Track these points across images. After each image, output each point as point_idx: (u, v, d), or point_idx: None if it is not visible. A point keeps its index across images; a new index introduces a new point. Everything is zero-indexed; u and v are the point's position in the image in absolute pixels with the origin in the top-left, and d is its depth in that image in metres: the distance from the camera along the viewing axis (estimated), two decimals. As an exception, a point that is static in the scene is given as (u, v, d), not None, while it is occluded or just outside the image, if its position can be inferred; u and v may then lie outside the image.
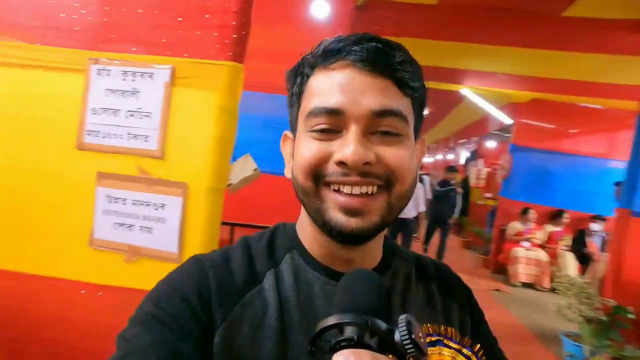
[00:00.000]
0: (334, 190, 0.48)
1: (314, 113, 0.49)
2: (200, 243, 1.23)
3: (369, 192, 0.48)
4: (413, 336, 0.34)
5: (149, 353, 0.43)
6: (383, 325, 0.35)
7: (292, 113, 0.55)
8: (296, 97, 0.53)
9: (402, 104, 0.50)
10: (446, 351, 0.41)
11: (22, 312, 1.26)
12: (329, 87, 0.49)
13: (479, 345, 0.54)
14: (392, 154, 0.48)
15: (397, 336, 0.34)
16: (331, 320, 0.36)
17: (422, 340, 0.35)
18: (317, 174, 0.48)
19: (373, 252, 0.56)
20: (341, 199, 0.47)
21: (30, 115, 1.25)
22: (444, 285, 0.60)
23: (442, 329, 0.53)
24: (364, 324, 0.35)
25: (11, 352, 1.30)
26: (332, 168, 0.48)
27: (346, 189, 0.47)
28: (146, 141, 1.20)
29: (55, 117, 1.24)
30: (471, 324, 0.59)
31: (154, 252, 1.21)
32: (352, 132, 0.47)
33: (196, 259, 0.53)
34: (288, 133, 0.57)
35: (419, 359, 0.34)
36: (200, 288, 0.48)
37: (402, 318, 0.35)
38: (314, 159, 0.48)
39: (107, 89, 1.22)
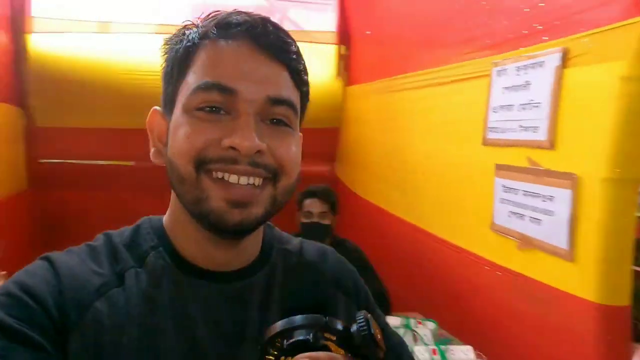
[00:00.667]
0: (217, 178, 0.45)
1: (203, 88, 0.45)
2: (597, 241, 1.09)
3: (256, 184, 0.45)
4: (372, 332, 0.34)
5: None
6: (339, 324, 0.35)
7: (169, 87, 0.50)
8: (177, 68, 0.48)
9: (295, 95, 0.49)
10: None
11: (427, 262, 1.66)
12: (224, 62, 0.45)
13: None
14: (283, 146, 0.47)
15: (355, 333, 0.34)
16: (291, 322, 0.35)
17: (379, 336, 0.34)
18: (200, 160, 0.44)
19: (251, 248, 0.53)
20: (226, 189, 0.44)
21: (453, 119, 1.62)
22: (329, 272, 0.57)
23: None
24: (323, 324, 0.34)
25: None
26: (217, 153, 0.44)
27: (232, 178, 0.44)
28: (535, 132, 1.22)
29: (469, 118, 1.52)
30: (357, 306, 0.57)
31: (542, 244, 1.22)
32: (246, 117, 0.44)
33: (47, 259, 0.47)
34: (158, 109, 0.52)
35: (376, 354, 0.33)
36: (52, 289, 0.43)
37: (361, 314, 0.35)
38: (200, 142, 0.44)
39: (504, 87, 1.34)
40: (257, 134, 0.44)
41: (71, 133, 2.54)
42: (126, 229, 0.53)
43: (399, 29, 2.15)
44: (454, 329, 1.59)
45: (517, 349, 1.34)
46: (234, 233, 0.46)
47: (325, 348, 0.34)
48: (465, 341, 1.48)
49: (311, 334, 0.34)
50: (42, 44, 2.47)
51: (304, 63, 0.51)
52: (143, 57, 2.43)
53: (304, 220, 1.87)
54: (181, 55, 0.47)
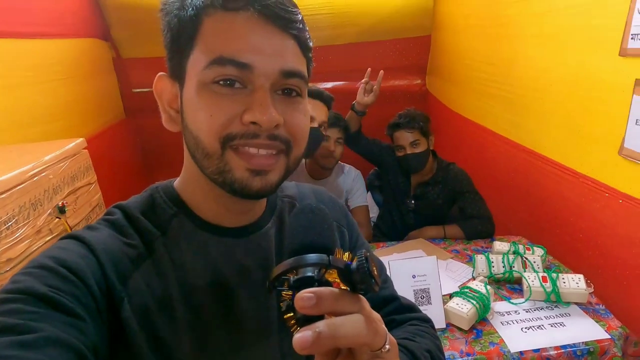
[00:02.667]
0: (239, 150, 0.50)
1: (218, 62, 0.48)
2: None
3: (274, 153, 0.51)
4: (370, 269, 0.37)
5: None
6: (341, 262, 0.39)
7: (176, 56, 0.52)
8: (184, 37, 0.50)
9: (303, 65, 0.53)
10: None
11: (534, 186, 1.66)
12: (235, 35, 0.48)
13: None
14: (296, 118, 0.52)
15: (355, 270, 0.38)
16: (298, 260, 0.39)
17: (375, 272, 0.38)
18: (225, 138, 0.49)
19: (261, 202, 0.61)
20: (247, 158, 0.50)
21: (581, 24, 1.48)
22: (326, 210, 0.58)
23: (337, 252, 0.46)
24: (327, 263, 0.38)
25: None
26: (240, 128, 0.49)
27: (252, 150, 0.50)
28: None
29: (602, 23, 1.39)
30: (349, 238, 0.71)
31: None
32: (262, 90, 0.49)
33: (75, 238, 0.51)
34: (165, 75, 0.55)
35: (373, 288, 0.38)
36: (89, 263, 0.48)
37: (361, 253, 0.39)
38: (223, 119, 0.49)
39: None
40: (274, 106, 0.49)
41: (155, 63, 2.71)
42: (137, 199, 0.58)
43: None
44: (562, 256, 1.63)
45: (629, 279, 1.37)
46: (256, 197, 0.53)
47: (328, 283, 0.38)
48: (573, 269, 1.53)
49: (316, 271, 0.38)
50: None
51: (308, 31, 0.54)
52: None
53: (398, 153, 1.90)
54: (185, 24, 0.50)
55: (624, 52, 1.31)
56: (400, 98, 3.03)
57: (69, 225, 1.41)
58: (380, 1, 2.77)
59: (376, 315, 0.39)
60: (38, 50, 1.97)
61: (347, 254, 0.41)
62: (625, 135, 1.33)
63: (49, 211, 1.34)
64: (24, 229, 1.22)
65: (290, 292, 0.38)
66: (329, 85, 3.06)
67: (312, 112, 1.59)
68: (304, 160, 2.00)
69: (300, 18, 0.51)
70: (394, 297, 0.74)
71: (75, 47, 2.33)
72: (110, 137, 2.60)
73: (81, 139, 1.60)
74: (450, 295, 1.34)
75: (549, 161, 1.72)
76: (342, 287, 0.39)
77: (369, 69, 1.93)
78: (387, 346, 0.39)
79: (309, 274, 0.38)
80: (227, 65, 0.47)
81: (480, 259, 1.49)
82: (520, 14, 1.85)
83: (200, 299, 0.53)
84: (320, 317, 0.36)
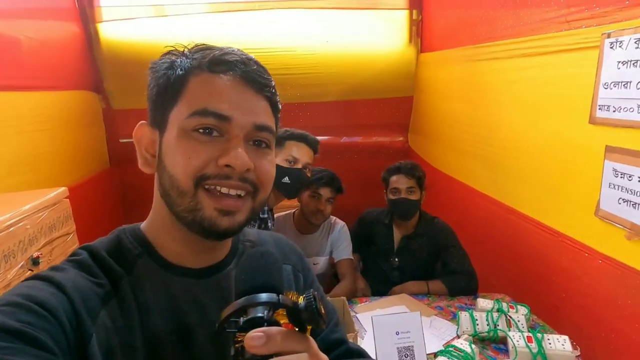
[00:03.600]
0: (210, 191, 0.55)
1: (200, 113, 0.55)
2: None
3: (241, 195, 0.57)
4: (317, 307, 0.39)
5: None
6: (289, 301, 0.40)
7: (161, 107, 0.59)
8: (170, 92, 0.58)
9: (272, 122, 0.61)
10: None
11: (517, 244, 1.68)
12: (218, 93, 0.56)
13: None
14: (264, 165, 0.59)
15: (303, 309, 0.39)
16: (245, 301, 0.41)
17: (322, 310, 0.40)
18: (199, 177, 0.54)
19: (226, 243, 0.65)
20: (217, 200, 0.55)
21: (551, 93, 1.58)
22: (281, 252, 0.71)
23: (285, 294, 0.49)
24: (276, 302, 0.40)
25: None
26: (215, 170, 0.55)
27: (224, 190, 0.55)
28: (657, 113, 1.18)
29: (571, 93, 1.48)
30: (304, 282, 0.75)
31: (658, 234, 1.20)
32: (237, 139, 0.56)
33: (41, 279, 0.51)
34: (145, 123, 0.62)
35: (319, 326, 0.39)
36: (60, 300, 0.48)
37: (309, 292, 0.40)
38: (200, 161, 0.54)
39: (619, 62, 1.29)
40: (248, 154, 0.56)
41: (145, 114, 2.76)
42: (103, 241, 0.60)
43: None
44: (546, 316, 1.62)
45: (615, 343, 1.36)
46: (223, 237, 0.57)
47: (278, 324, 0.39)
48: (557, 329, 1.52)
49: (265, 311, 0.40)
50: (111, 31, 2.68)
51: (278, 95, 0.63)
52: (203, 36, 2.56)
53: (391, 197, 1.93)
54: (173, 82, 0.57)
55: (593, 120, 1.40)
56: (382, 154, 3.11)
57: (43, 278, 1.36)
58: (366, 63, 2.91)
59: (323, 356, 0.41)
60: (28, 101, 1.99)
61: (300, 297, 0.42)
62: (600, 198, 1.38)
63: (21, 263, 1.29)
64: (-5, 281, 1.17)
65: (240, 336, 0.39)
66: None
67: (296, 154, 1.62)
68: (292, 214, 2.01)
69: (273, 84, 0.61)
70: (343, 341, 0.76)
71: (66, 98, 2.36)
72: (94, 186, 2.57)
73: (63, 188, 1.57)
74: (435, 354, 1.31)
75: (529, 219, 1.76)
76: (291, 329, 0.40)
77: None
78: None
79: (259, 314, 0.39)
80: (208, 116, 0.55)
81: (464, 316, 1.47)
82: (497, 81, 1.98)
83: (161, 339, 0.55)
84: (268, 358, 0.37)
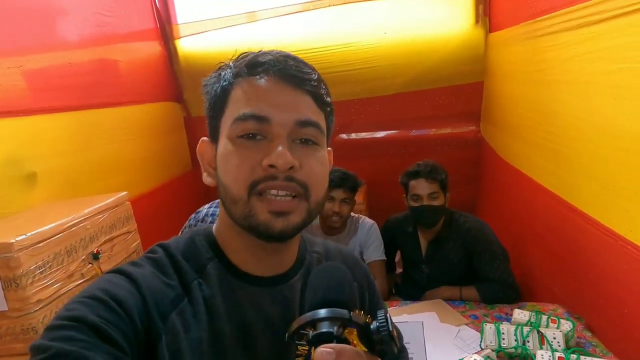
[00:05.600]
0: (261, 195, 0.54)
1: (241, 119, 0.55)
2: None
3: (292, 195, 0.55)
4: (390, 330, 0.37)
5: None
6: (361, 320, 0.39)
7: (213, 120, 0.60)
8: (218, 104, 0.59)
9: (319, 117, 0.58)
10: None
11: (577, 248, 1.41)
12: (256, 96, 0.55)
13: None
14: (311, 163, 0.56)
15: (374, 330, 0.38)
16: (317, 314, 0.39)
17: (395, 332, 0.38)
18: (251, 186, 0.54)
19: (291, 253, 0.64)
20: (269, 202, 0.54)
21: (610, 68, 1.31)
22: (349, 269, 0.59)
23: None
24: (348, 319, 0.38)
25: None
26: (261, 173, 0.54)
27: (272, 192, 0.54)
28: None
29: (631, 66, 1.21)
30: (369, 300, 0.73)
31: None
32: (279, 138, 0.54)
33: (121, 273, 0.54)
34: (206, 139, 0.63)
35: (392, 350, 0.37)
36: (135, 300, 0.51)
37: (381, 313, 0.39)
38: (248, 169, 0.54)
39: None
40: (290, 152, 0.54)
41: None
42: (179, 240, 0.62)
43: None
44: (604, 334, 1.36)
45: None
46: (279, 238, 0.56)
47: (347, 342, 0.38)
48: (613, 351, 1.27)
49: (335, 327, 0.38)
50: (187, 45, 2.96)
51: (325, 87, 0.60)
52: (257, 41, 2.65)
53: (412, 204, 1.77)
54: (219, 93, 0.59)
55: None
56: (453, 145, 2.89)
57: (101, 270, 1.58)
58: (428, 51, 2.73)
59: None
60: (118, 115, 2.32)
61: (368, 316, 0.41)
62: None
63: (82, 257, 1.52)
64: (56, 274, 1.40)
65: (306, 348, 0.41)
66: (382, 134, 3.05)
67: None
68: (318, 217, 2.00)
69: (315, 77, 0.58)
70: None
71: (151, 110, 2.69)
72: (178, 186, 2.88)
73: (124, 193, 1.81)
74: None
75: (589, 219, 1.49)
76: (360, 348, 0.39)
77: None
78: None
79: (329, 329, 0.38)
80: (248, 120, 0.55)
81: (489, 328, 1.31)
82: (554, 58, 1.70)
83: (226, 345, 0.55)
84: None
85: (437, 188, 1.73)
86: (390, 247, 1.96)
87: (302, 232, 0.65)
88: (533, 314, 1.36)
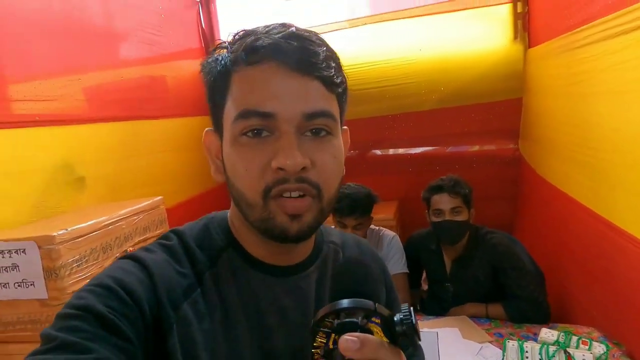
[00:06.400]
0: (277, 198, 0.51)
1: (243, 116, 0.50)
2: None
3: (303, 196, 0.51)
4: (414, 322, 0.37)
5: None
6: (386, 311, 0.39)
7: (216, 110, 0.56)
8: (219, 93, 0.54)
9: (331, 103, 0.53)
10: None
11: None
12: (258, 88, 0.50)
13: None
14: (324, 159, 0.52)
15: (398, 322, 0.38)
16: (342, 303, 0.39)
17: (418, 326, 0.38)
18: (265, 191, 0.51)
19: (308, 243, 0.61)
20: (285, 205, 0.51)
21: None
22: (367, 263, 0.54)
23: None
24: (373, 310, 0.38)
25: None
26: (272, 177, 0.50)
27: (285, 194, 0.51)
28: None
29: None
30: (386, 295, 0.69)
31: None
32: (287, 136, 0.50)
33: (134, 259, 0.53)
34: (211, 130, 0.58)
35: (415, 343, 0.39)
36: (145, 288, 0.50)
37: (405, 306, 0.39)
38: (257, 170, 0.50)
39: None
40: (300, 149, 0.50)
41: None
42: (193, 227, 0.60)
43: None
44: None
45: None
46: (295, 241, 0.53)
47: (370, 332, 0.38)
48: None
49: (360, 317, 0.38)
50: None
51: (335, 65, 0.53)
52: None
53: (435, 219, 1.73)
54: (218, 81, 0.54)
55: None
56: (490, 163, 2.81)
57: (133, 268, 1.66)
58: (464, 67, 2.70)
59: None
60: (160, 127, 2.47)
61: (389, 310, 0.41)
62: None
63: (116, 255, 1.61)
64: (91, 268, 1.49)
65: (324, 339, 0.40)
66: (418, 150, 3.03)
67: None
68: None
69: (323, 56, 0.52)
70: None
71: (190, 123, 2.82)
72: (213, 196, 2.98)
73: (159, 198, 1.91)
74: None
75: (628, 236, 1.39)
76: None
77: None
78: None
79: (354, 319, 0.39)
80: (251, 118, 0.50)
81: (511, 346, 1.25)
82: (591, 70, 1.63)
83: (239, 335, 0.54)
84: None
85: (460, 203, 1.68)
86: (413, 264, 1.91)
87: None
88: (562, 334, 1.28)
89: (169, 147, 2.52)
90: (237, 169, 0.52)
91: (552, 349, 1.19)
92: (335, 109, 0.54)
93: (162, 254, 0.55)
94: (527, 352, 1.21)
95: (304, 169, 0.50)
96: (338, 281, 0.43)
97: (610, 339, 1.30)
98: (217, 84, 0.54)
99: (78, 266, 1.44)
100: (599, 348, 1.22)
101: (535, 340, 1.31)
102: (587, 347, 1.22)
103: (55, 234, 1.36)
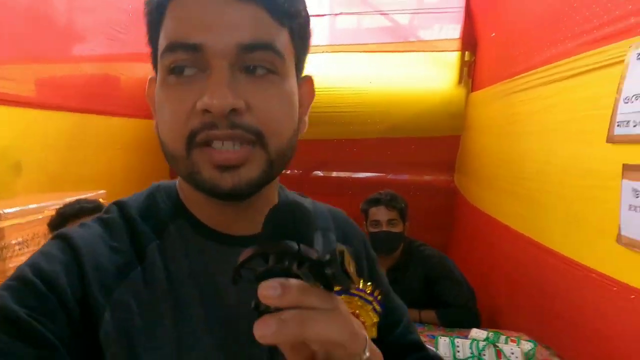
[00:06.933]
0: (203, 147, 0.43)
1: (170, 49, 0.42)
2: None
3: (239, 145, 0.43)
4: (343, 263, 0.33)
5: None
6: (312, 252, 0.34)
7: (154, 52, 0.48)
8: (154, 29, 0.46)
9: (277, 36, 0.44)
10: (350, 299, 0.36)
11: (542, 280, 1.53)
12: (187, 15, 0.42)
13: (378, 290, 0.54)
14: (266, 100, 0.43)
15: (326, 264, 0.33)
16: (260, 247, 0.35)
17: (352, 270, 0.34)
18: (188, 139, 0.43)
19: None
20: (213, 154, 0.43)
21: (566, 117, 1.51)
22: (340, 231, 0.60)
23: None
24: (296, 252, 0.33)
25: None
26: (198, 121, 0.42)
27: (216, 144, 0.43)
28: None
29: (587, 114, 1.39)
30: (367, 269, 0.62)
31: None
32: (217, 72, 0.41)
33: (62, 238, 0.46)
34: (153, 78, 0.49)
35: (347, 287, 0.33)
36: (70, 274, 0.42)
37: (335, 247, 0.34)
38: (182, 113, 0.42)
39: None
40: (232, 89, 0.41)
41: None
42: (139, 197, 0.52)
43: (524, 25, 2.04)
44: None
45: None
46: (231, 197, 0.45)
47: (297, 277, 0.33)
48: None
49: (284, 261, 0.34)
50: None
51: None
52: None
53: (372, 229, 1.81)
54: (154, 14, 0.46)
55: (611, 139, 1.28)
56: (427, 192, 3.04)
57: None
58: (411, 102, 2.94)
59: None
60: (109, 124, 2.36)
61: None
62: (620, 223, 1.23)
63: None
64: (32, 253, 1.36)
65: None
66: (361, 175, 3.19)
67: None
68: None
69: None
70: (421, 346, 0.61)
71: (139, 125, 2.72)
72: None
73: (102, 191, 1.86)
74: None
75: (555, 254, 1.60)
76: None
77: None
78: (367, 353, 0.35)
79: (274, 263, 0.34)
80: (177, 51, 0.42)
81: (443, 341, 1.34)
82: (525, 112, 1.90)
83: (193, 314, 0.46)
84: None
85: (396, 215, 1.79)
86: None
87: (280, 189, 0.57)
88: (492, 333, 1.40)
89: (116, 145, 2.41)
90: (164, 114, 0.44)
91: (482, 344, 1.29)
92: (283, 44, 0.44)
93: (97, 228, 0.48)
94: (458, 346, 1.29)
95: (234, 110, 0.41)
96: (266, 223, 0.37)
97: (540, 343, 1.45)
98: (152, 17, 0.46)
99: (20, 249, 1.32)
100: (527, 345, 1.34)
101: (456, 337, 1.41)
102: (515, 344, 1.34)
103: (1, 211, 1.24)
